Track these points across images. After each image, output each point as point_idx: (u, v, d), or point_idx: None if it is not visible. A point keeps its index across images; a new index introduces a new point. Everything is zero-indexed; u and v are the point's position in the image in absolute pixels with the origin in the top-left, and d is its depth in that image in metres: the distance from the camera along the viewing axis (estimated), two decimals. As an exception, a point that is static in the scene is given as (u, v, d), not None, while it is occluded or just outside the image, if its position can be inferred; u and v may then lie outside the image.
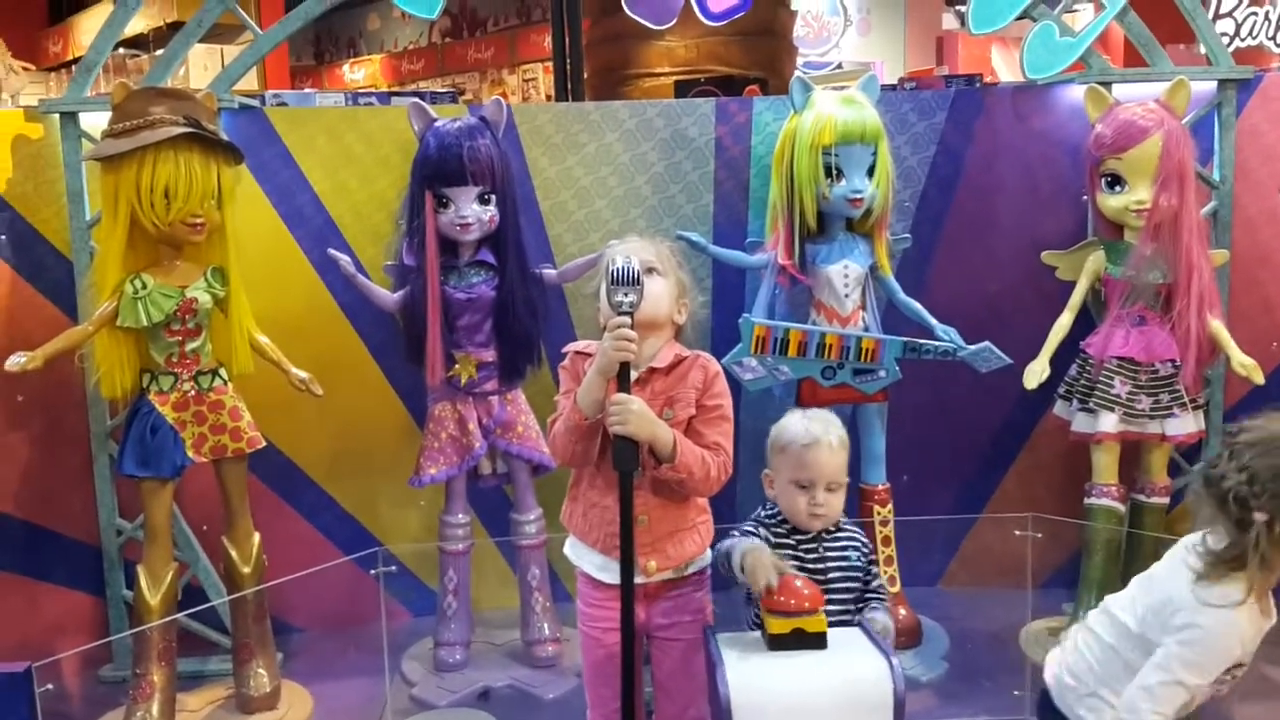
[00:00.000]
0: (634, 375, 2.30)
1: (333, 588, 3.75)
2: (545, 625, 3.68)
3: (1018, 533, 3.36)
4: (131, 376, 3.19)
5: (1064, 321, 3.58)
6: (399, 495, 3.92)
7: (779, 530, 2.43)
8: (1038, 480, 4.10)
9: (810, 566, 2.38)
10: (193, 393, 3.22)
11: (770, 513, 2.48)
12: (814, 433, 2.43)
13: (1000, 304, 3.90)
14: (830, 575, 2.37)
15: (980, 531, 4.14)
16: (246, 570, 3.38)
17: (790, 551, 2.39)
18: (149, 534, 3.23)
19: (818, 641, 2.16)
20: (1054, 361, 3.57)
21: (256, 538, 3.42)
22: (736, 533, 2.40)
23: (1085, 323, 3.67)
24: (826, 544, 2.41)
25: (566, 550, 2.55)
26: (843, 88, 3.59)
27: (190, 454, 3.21)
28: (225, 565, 3.42)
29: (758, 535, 2.40)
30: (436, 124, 3.45)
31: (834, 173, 3.42)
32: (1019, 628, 3.75)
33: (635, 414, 2.19)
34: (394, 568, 3.36)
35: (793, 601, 2.17)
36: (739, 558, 2.26)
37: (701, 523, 2.51)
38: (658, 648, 2.47)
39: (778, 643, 2.16)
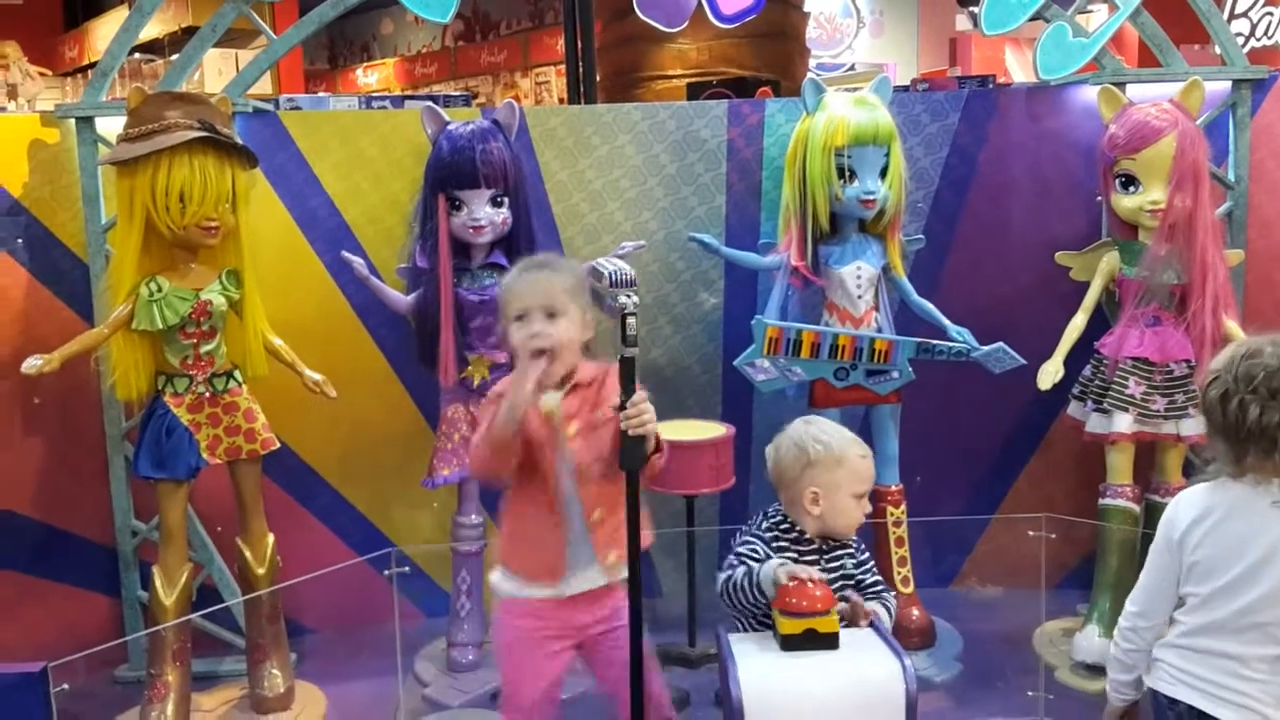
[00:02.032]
0: (561, 393, 2.38)
1: (346, 589, 3.75)
2: (558, 626, 3.68)
3: (1031, 533, 3.34)
4: (147, 379, 3.21)
5: (1078, 322, 3.57)
6: (412, 497, 3.93)
7: (783, 542, 2.44)
8: (1052, 481, 4.09)
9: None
10: (207, 395, 3.24)
11: (773, 523, 2.48)
12: (860, 443, 2.49)
13: (1014, 305, 3.89)
14: (835, 583, 2.38)
15: (994, 532, 4.13)
16: (261, 571, 3.39)
17: (796, 560, 2.39)
18: (164, 535, 3.25)
19: (830, 642, 2.16)
20: (1068, 362, 3.56)
21: (271, 539, 3.44)
22: (734, 560, 2.40)
23: (1099, 323, 3.65)
24: (827, 554, 2.43)
25: (494, 581, 2.53)
26: (855, 89, 3.59)
27: (205, 456, 3.23)
28: (240, 566, 3.43)
29: (756, 554, 2.40)
30: (449, 127, 3.46)
31: (847, 174, 3.42)
32: (1033, 629, 3.74)
33: (651, 413, 2.20)
34: (407, 568, 3.36)
35: (805, 602, 2.17)
36: (771, 575, 2.25)
37: (647, 515, 2.47)
38: (604, 654, 2.46)
39: (790, 643, 2.16)
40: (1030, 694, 3.34)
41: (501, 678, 2.56)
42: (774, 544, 2.42)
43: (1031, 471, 4.14)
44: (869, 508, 2.46)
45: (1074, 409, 3.68)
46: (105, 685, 3.64)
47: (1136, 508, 3.55)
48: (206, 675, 3.59)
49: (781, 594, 2.18)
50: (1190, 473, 3.70)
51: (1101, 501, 3.58)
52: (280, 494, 3.82)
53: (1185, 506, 2.19)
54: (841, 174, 3.42)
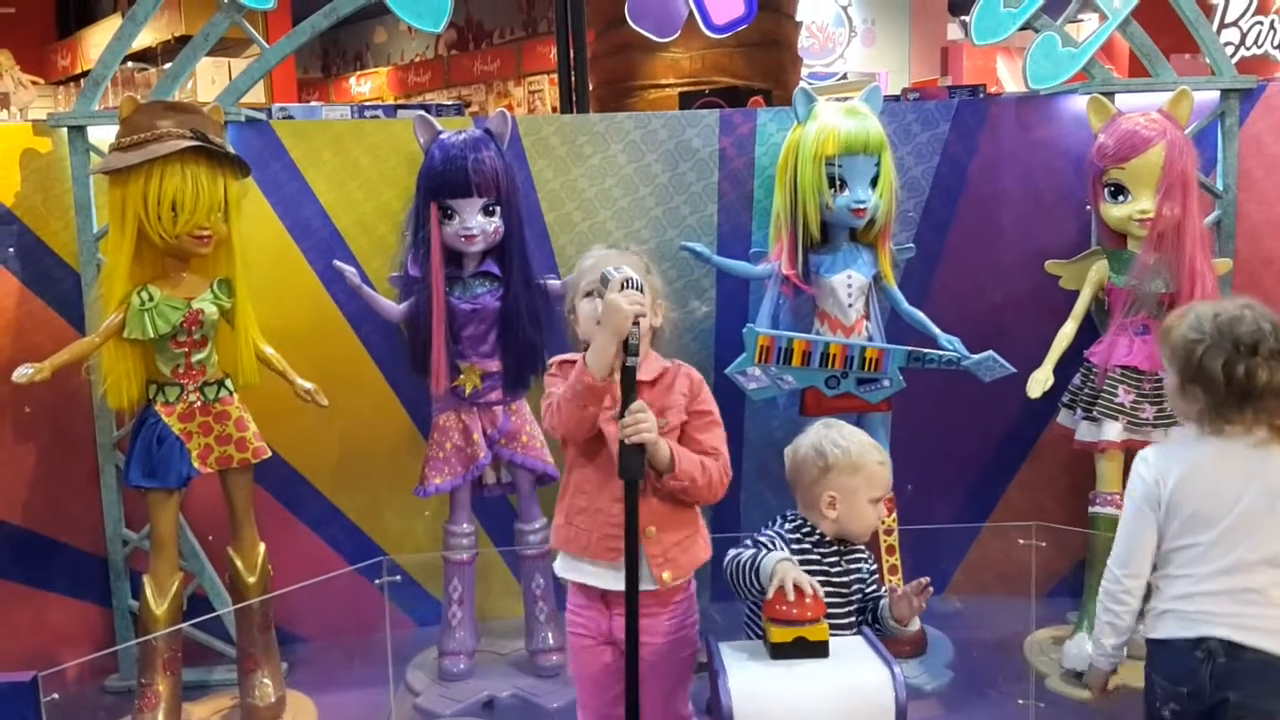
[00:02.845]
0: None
1: (337, 598, 3.74)
2: (549, 635, 3.69)
3: (1022, 541, 3.36)
4: (138, 387, 3.21)
5: (1067, 330, 3.59)
6: (404, 505, 3.92)
7: (804, 544, 2.43)
8: (1042, 489, 4.10)
9: (835, 580, 2.41)
10: (199, 404, 3.24)
11: (794, 525, 2.47)
12: (878, 451, 2.50)
13: (1004, 313, 3.91)
14: (853, 586, 2.41)
15: (985, 540, 4.14)
16: (252, 580, 3.39)
17: (816, 565, 2.40)
18: (155, 544, 3.24)
19: (820, 650, 2.16)
20: (1058, 370, 3.57)
21: (262, 548, 3.43)
22: (750, 543, 2.39)
23: (1089, 332, 3.67)
24: (847, 556, 2.43)
25: (558, 570, 2.53)
26: (847, 99, 3.60)
27: (196, 465, 3.22)
28: (230, 575, 3.43)
29: (772, 548, 2.39)
30: (441, 136, 3.47)
31: (837, 183, 3.43)
32: (1023, 637, 3.75)
33: (650, 422, 2.20)
34: (399, 577, 3.36)
35: (795, 610, 2.17)
36: (770, 567, 2.23)
37: (702, 527, 2.52)
38: (644, 662, 2.40)
39: (780, 651, 2.16)
40: (1021, 702, 3.35)
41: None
42: (794, 546, 2.41)
43: (1022, 479, 4.16)
44: (885, 512, 2.47)
45: (1063, 417, 3.69)
46: (95, 695, 3.63)
47: (1126, 516, 3.55)
48: (197, 685, 3.59)
49: (772, 601, 2.17)
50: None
51: (1091, 509, 3.59)
52: (272, 502, 3.81)
53: (1167, 463, 2.29)
54: (832, 183, 3.43)
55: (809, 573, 2.33)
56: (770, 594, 2.19)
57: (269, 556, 3.45)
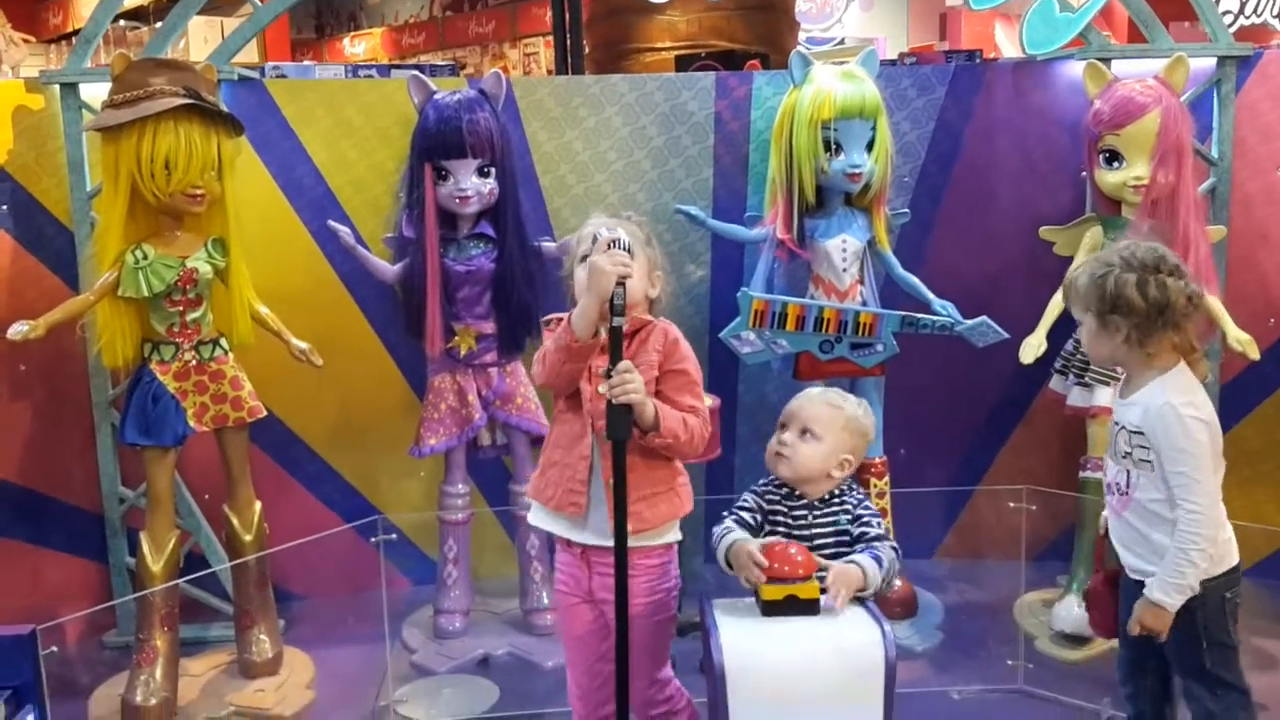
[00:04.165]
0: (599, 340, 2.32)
1: (333, 556, 3.79)
2: (544, 594, 3.72)
3: (1012, 505, 3.39)
4: (133, 346, 3.22)
5: (1060, 297, 3.58)
6: (399, 465, 3.95)
7: (773, 496, 2.45)
8: (1034, 454, 4.13)
9: (797, 532, 2.39)
10: (194, 362, 3.24)
11: (767, 480, 2.50)
12: (812, 391, 2.53)
13: (997, 279, 3.91)
14: (816, 541, 2.37)
15: (976, 504, 4.17)
16: (248, 538, 3.42)
17: (781, 516, 2.42)
18: (151, 502, 3.26)
19: (810, 608, 2.18)
20: (1050, 336, 3.58)
21: (258, 506, 3.45)
22: (729, 515, 2.42)
23: (1082, 298, 3.68)
24: (817, 511, 2.42)
25: (530, 518, 2.56)
26: (844, 63, 3.59)
27: (192, 423, 3.24)
28: (227, 533, 3.45)
29: (749, 506, 2.42)
30: (436, 97, 3.46)
31: (833, 147, 3.43)
32: (1013, 599, 3.78)
33: (637, 382, 2.22)
34: (394, 536, 3.39)
35: (786, 568, 2.20)
36: (723, 554, 2.31)
37: (680, 485, 2.50)
38: (607, 620, 2.43)
39: (771, 609, 2.19)
40: (1010, 663, 3.38)
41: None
42: (766, 497, 2.45)
43: (1014, 444, 4.19)
44: (789, 441, 2.41)
45: (1056, 383, 3.71)
46: (94, 650, 3.68)
47: (1116, 480, 3.58)
48: (195, 640, 3.61)
49: (762, 565, 2.20)
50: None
51: (1082, 474, 3.62)
52: (267, 462, 3.83)
53: (1199, 400, 2.34)
54: (828, 147, 3.43)
55: (778, 527, 2.40)
56: (743, 580, 2.25)
57: (264, 515, 3.47)
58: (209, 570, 3.59)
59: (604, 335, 2.27)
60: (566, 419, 2.44)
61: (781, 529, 2.40)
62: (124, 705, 3.15)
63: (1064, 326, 3.62)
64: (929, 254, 3.91)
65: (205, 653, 3.62)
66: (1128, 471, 2.38)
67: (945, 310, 3.54)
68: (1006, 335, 3.52)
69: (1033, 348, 3.54)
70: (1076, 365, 3.59)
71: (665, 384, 2.41)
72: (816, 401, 2.47)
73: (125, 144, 3.03)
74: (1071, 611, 3.53)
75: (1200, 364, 2.39)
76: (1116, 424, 2.43)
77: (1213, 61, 3.72)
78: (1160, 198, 3.38)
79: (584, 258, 2.42)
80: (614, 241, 2.25)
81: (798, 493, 2.44)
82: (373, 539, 3.30)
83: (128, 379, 3.36)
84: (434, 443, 3.56)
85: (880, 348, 3.54)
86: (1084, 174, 3.78)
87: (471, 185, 3.40)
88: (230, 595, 3.56)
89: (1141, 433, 2.33)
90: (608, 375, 2.21)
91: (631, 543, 2.32)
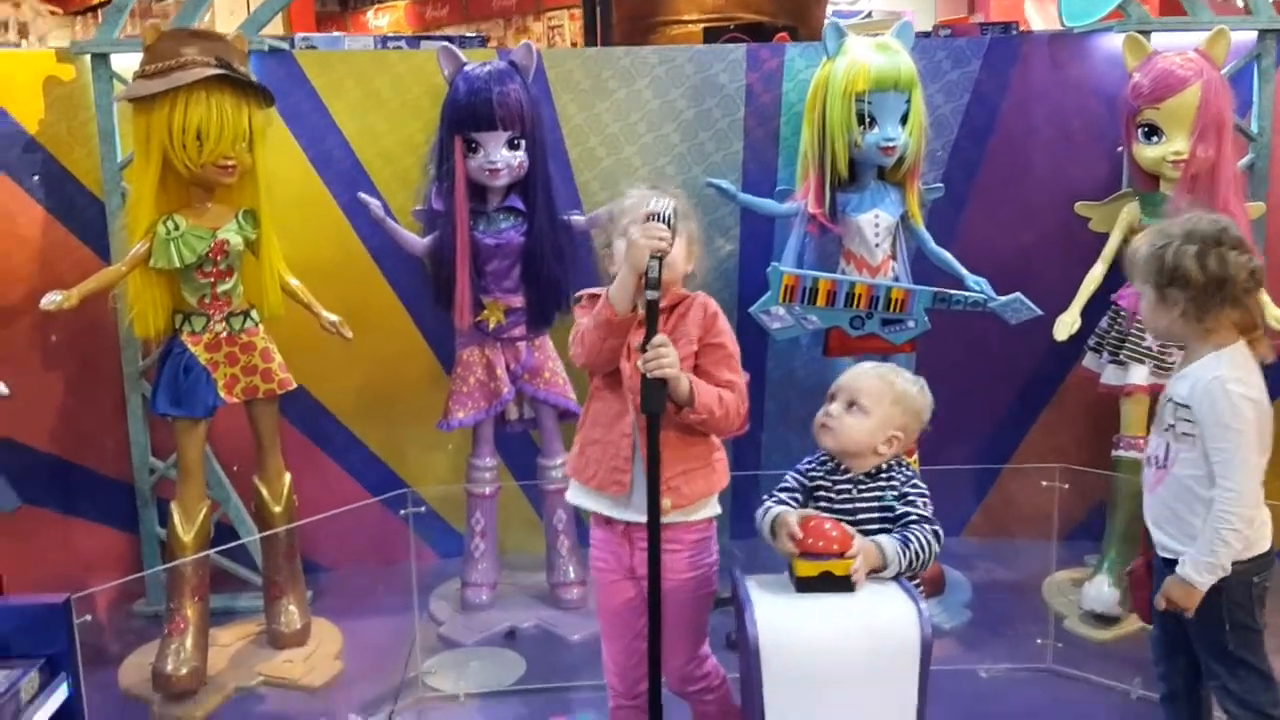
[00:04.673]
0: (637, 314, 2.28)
1: (360, 528, 3.78)
2: (570, 568, 3.72)
3: (1045, 484, 3.36)
4: (164, 317, 3.22)
5: (1096, 273, 3.55)
6: (426, 439, 3.94)
7: (817, 471, 2.42)
8: (1064, 432, 4.10)
9: (839, 506, 2.36)
10: (224, 334, 3.25)
11: (815, 455, 2.47)
12: (865, 365, 2.49)
13: (1031, 255, 3.87)
14: (859, 517, 2.34)
15: (1004, 482, 4.14)
16: (278, 509, 3.43)
17: (825, 490, 2.39)
18: (182, 472, 3.27)
19: (845, 585, 2.16)
20: (1084, 314, 3.53)
21: (287, 477, 3.46)
22: (770, 497, 2.39)
23: (1116, 275, 3.62)
24: (862, 486, 2.37)
25: (569, 497, 2.54)
26: (877, 35, 3.54)
27: (222, 394, 3.24)
28: (256, 504, 3.46)
29: (790, 487, 2.40)
30: (466, 68, 3.43)
31: (867, 120, 3.39)
32: (1041, 578, 3.77)
33: (672, 356, 2.20)
34: (423, 509, 3.38)
35: (821, 544, 2.18)
36: (767, 526, 2.29)
37: (716, 460, 2.48)
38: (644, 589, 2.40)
39: (805, 585, 2.17)
40: (1039, 641, 3.36)
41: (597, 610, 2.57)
42: (809, 474, 2.42)
43: (1044, 422, 4.16)
44: (835, 413, 2.38)
45: (1089, 360, 3.67)
46: (123, 619, 3.70)
47: (1149, 459, 3.55)
48: (223, 610, 3.63)
49: (803, 538, 2.18)
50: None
51: (1115, 453, 3.59)
52: (294, 433, 3.84)
53: (1252, 379, 2.29)
54: (862, 120, 3.39)
55: (821, 501, 2.38)
56: (783, 550, 2.22)
57: (293, 487, 3.48)
58: (240, 541, 3.60)
59: (641, 310, 2.25)
60: (604, 397, 2.42)
61: (824, 503, 2.37)
62: (154, 674, 3.17)
63: (1098, 304, 3.59)
64: (962, 229, 3.87)
65: (234, 623, 3.64)
66: (1168, 444, 2.34)
67: (979, 286, 3.50)
68: (1040, 312, 3.48)
69: (1067, 325, 3.50)
70: (1111, 343, 3.55)
71: (703, 358, 2.39)
72: (868, 374, 2.43)
73: (157, 114, 3.02)
74: (1101, 591, 3.51)
75: (1262, 343, 2.33)
76: (1166, 396, 2.39)
77: (1253, 35, 3.65)
78: (1199, 173, 3.33)
79: (623, 233, 2.39)
80: (654, 215, 2.21)
81: (843, 467, 2.40)
82: (402, 511, 3.30)
83: (159, 350, 3.36)
84: (462, 416, 3.56)
85: (912, 324, 3.51)
86: (1120, 149, 3.73)
87: (501, 158, 3.38)
88: (259, 566, 3.58)
89: (1188, 406, 2.29)
90: (643, 349, 2.19)
91: (671, 518, 2.34)
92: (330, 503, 3.60)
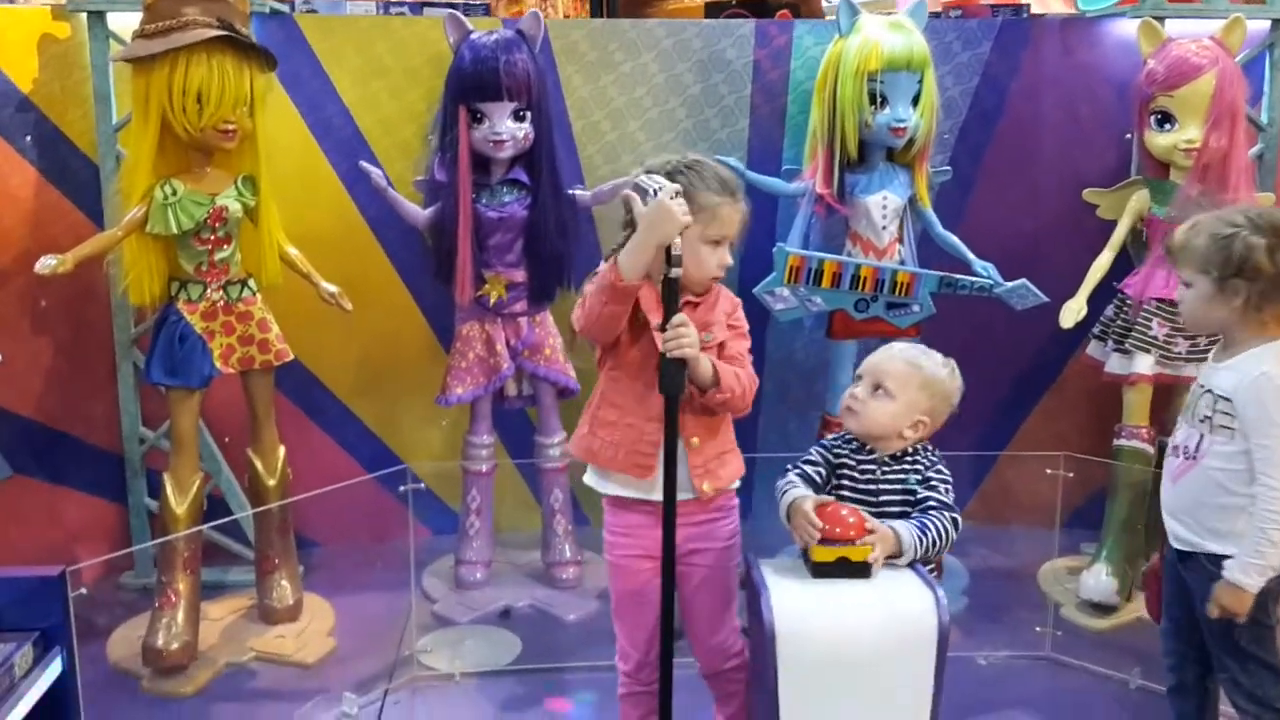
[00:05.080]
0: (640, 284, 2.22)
1: (354, 504, 3.74)
2: (567, 548, 3.69)
3: (1049, 471, 3.34)
4: (160, 284, 3.15)
5: (1104, 260, 3.53)
6: (421, 414, 3.90)
7: (842, 450, 2.39)
8: (1064, 419, 4.08)
9: (862, 486, 2.34)
10: (222, 303, 3.18)
11: (841, 434, 2.44)
12: (895, 346, 2.44)
13: (1037, 240, 3.85)
14: (882, 498, 2.32)
15: (1001, 469, 4.12)
16: (272, 483, 3.37)
17: (849, 470, 2.35)
18: (176, 443, 3.21)
19: (862, 571, 2.13)
20: (1089, 301, 3.51)
21: (282, 450, 3.41)
22: (793, 469, 2.35)
23: (1121, 263, 3.61)
24: (886, 468, 2.34)
25: (589, 481, 2.44)
26: (891, 14, 3.49)
27: (218, 365, 3.17)
28: (250, 477, 3.41)
29: (815, 460, 2.36)
30: (472, 36, 3.36)
31: (878, 100, 3.34)
32: (1038, 566, 3.76)
33: (692, 336, 2.15)
34: (422, 485, 3.33)
35: (838, 529, 2.14)
36: (784, 509, 2.25)
37: (734, 441, 2.47)
38: (683, 573, 2.38)
39: (821, 570, 2.14)
40: (1038, 629, 3.35)
41: (611, 587, 2.48)
42: (834, 450, 2.38)
43: (1044, 409, 4.14)
44: (861, 396, 2.34)
45: (1094, 348, 3.65)
46: (111, 591, 3.64)
47: (1151, 449, 3.54)
48: (214, 584, 3.57)
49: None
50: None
51: (1117, 442, 3.57)
52: (287, 405, 3.77)
53: None
54: (873, 99, 3.34)
55: (844, 481, 2.34)
56: (799, 539, 2.20)
57: (287, 460, 3.42)
58: (234, 517, 3.55)
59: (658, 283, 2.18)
60: (618, 377, 2.33)
61: (848, 482, 2.34)
62: (145, 648, 3.11)
63: (1104, 291, 3.57)
64: (968, 213, 3.83)
65: (224, 597, 3.58)
66: (1201, 435, 2.31)
67: (986, 271, 3.47)
68: (1046, 299, 3.45)
69: (1073, 312, 3.48)
70: (1116, 331, 3.53)
71: (726, 337, 2.37)
72: (896, 358, 2.38)
73: (156, 76, 2.94)
74: (1100, 580, 3.49)
75: None
76: (1201, 387, 2.35)
77: (1266, 24, 3.62)
78: (1212, 162, 3.30)
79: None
80: (677, 191, 2.15)
81: (868, 448, 2.37)
82: (401, 488, 3.24)
83: (153, 317, 3.29)
84: (460, 392, 3.50)
85: (917, 308, 3.47)
86: (1129, 136, 3.71)
87: (507, 129, 3.32)
88: (250, 540, 3.53)
89: (1230, 399, 2.26)
90: (662, 329, 2.14)
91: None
92: (323, 477, 3.55)
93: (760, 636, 2.10)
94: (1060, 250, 3.73)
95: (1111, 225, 3.58)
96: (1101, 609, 3.48)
